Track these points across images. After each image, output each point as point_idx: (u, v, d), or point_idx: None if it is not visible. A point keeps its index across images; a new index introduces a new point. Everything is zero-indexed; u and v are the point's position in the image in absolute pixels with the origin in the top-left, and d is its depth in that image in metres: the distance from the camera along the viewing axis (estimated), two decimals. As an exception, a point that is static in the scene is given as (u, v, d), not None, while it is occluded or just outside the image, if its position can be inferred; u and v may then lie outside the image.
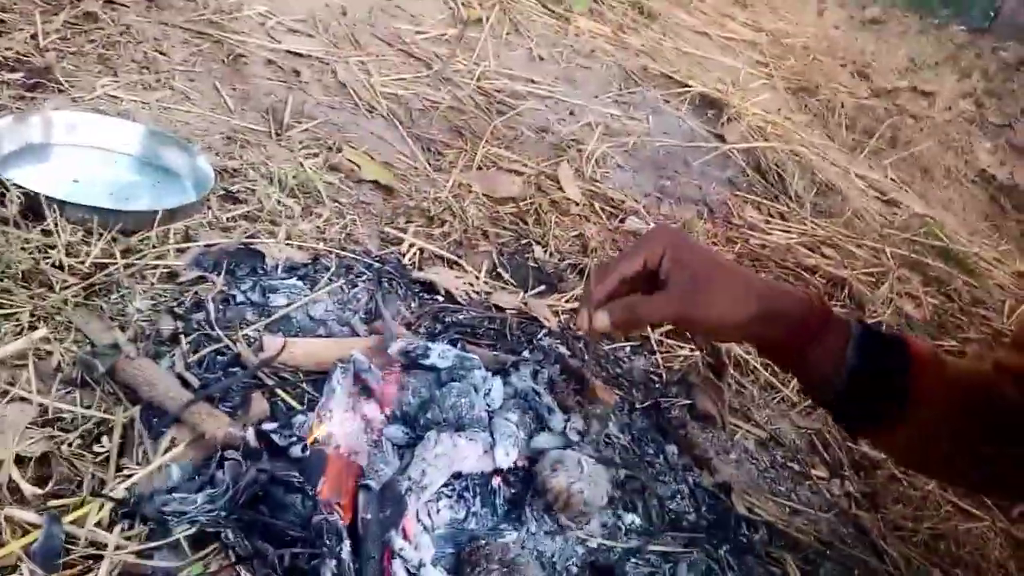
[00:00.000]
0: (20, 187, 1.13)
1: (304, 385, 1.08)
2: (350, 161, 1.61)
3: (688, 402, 1.38)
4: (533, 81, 2.29)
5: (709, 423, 1.39)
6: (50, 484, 0.86)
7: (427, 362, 1.06)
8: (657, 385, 1.41)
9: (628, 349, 1.46)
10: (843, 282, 1.97)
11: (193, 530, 0.80)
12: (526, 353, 1.25)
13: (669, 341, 1.53)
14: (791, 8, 4.69)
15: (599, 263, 0.80)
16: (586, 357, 1.37)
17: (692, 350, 1.52)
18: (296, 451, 0.88)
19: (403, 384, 1.09)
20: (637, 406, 1.31)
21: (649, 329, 1.52)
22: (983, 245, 2.66)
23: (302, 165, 1.52)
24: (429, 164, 1.75)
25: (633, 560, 1.02)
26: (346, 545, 0.79)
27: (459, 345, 1.18)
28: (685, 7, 3.62)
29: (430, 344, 1.09)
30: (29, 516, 0.82)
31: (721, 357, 1.50)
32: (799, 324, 0.82)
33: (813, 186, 2.43)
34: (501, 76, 2.23)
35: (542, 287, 1.50)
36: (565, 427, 1.09)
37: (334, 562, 0.77)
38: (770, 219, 2.18)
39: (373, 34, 2.14)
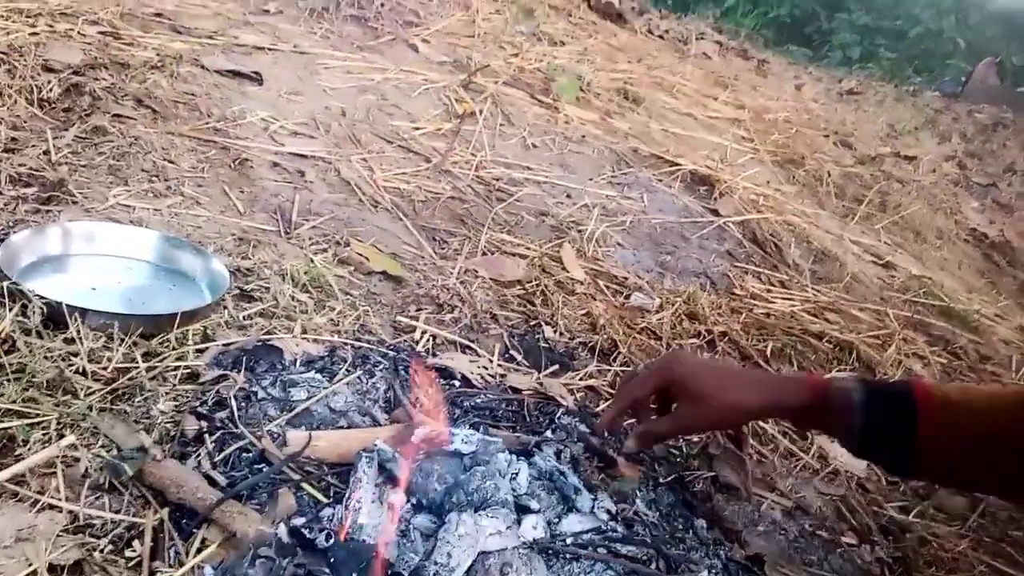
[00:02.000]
0: (42, 297, 1.15)
1: (329, 477, 1.08)
2: (358, 254, 1.64)
3: (711, 474, 1.38)
4: (529, 168, 2.35)
5: (734, 494, 1.38)
6: (83, 592, 0.85)
7: (451, 448, 1.06)
8: (678, 459, 1.41)
9: (646, 424, 1.46)
10: (850, 346, 1.99)
11: (232, 631, 0.79)
12: (548, 433, 1.25)
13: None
14: (770, 85, 4.86)
15: (628, 372, 1.10)
16: (606, 434, 1.37)
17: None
18: (328, 545, 0.88)
19: (428, 471, 1.08)
20: (661, 481, 1.30)
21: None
22: (983, 302, 2.69)
23: (312, 261, 1.55)
24: (435, 253, 1.78)
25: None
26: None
27: (481, 429, 1.18)
28: (668, 91, 3.75)
29: (453, 430, 1.09)
30: (63, 627, 0.81)
31: (741, 429, 1.49)
32: (804, 409, 0.99)
33: (810, 253, 2.48)
34: (498, 165, 2.29)
35: (555, 366, 1.52)
36: (593, 507, 1.09)
37: (376, 656, 0.75)
38: (771, 288, 2.20)
39: (373, 132, 2.21)
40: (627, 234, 2.18)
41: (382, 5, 3.17)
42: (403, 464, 1.01)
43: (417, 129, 2.31)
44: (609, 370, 1.57)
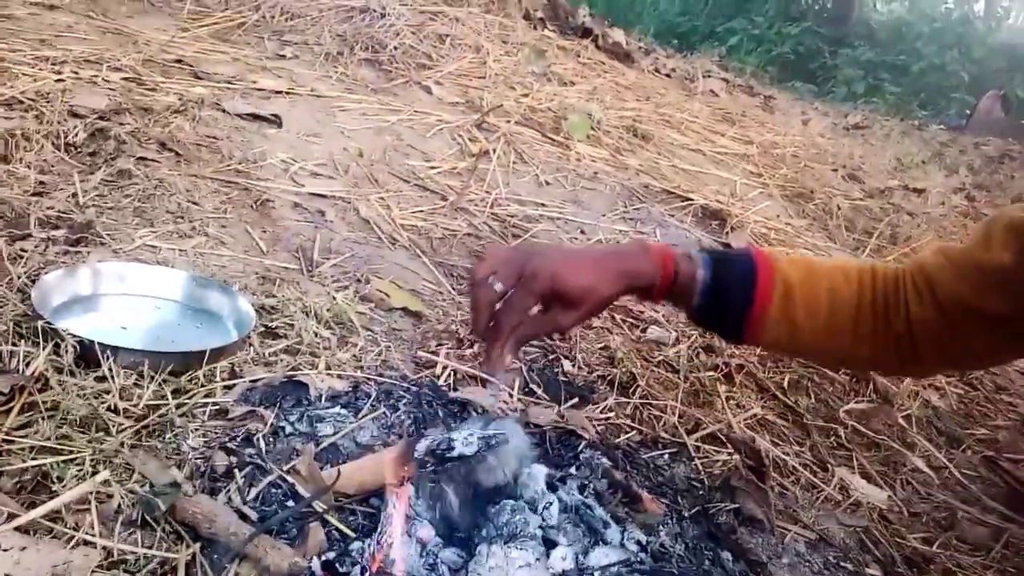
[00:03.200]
0: (74, 335, 1.17)
1: (356, 509, 1.09)
2: (379, 291, 1.66)
3: (734, 506, 1.38)
4: (543, 204, 2.38)
5: (757, 527, 1.38)
6: (119, 627, 0.86)
7: (454, 454, 1.07)
8: (700, 491, 1.41)
9: (667, 456, 1.47)
10: (867, 378, 1.99)
11: (269, 664, 0.80)
12: (572, 469, 1.26)
13: (707, 447, 1.54)
14: (776, 121, 4.91)
15: (476, 285, 0.99)
16: (628, 468, 1.38)
17: (731, 454, 1.53)
18: (361, 577, 0.89)
19: (448, 500, 1.09)
20: (685, 514, 1.30)
21: (684, 435, 1.53)
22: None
23: (335, 298, 1.57)
24: (453, 288, 1.81)
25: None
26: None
27: (494, 435, 1.18)
28: (677, 127, 3.80)
29: (452, 435, 1.10)
30: (100, 662, 0.82)
31: (762, 459, 1.50)
32: (658, 278, 1.02)
33: (823, 286, 2.48)
34: (512, 202, 2.33)
35: (575, 399, 1.53)
36: (623, 539, 1.09)
37: None
38: (786, 321, 2.21)
39: (390, 172, 2.25)
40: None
41: (395, 49, 3.24)
42: (404, 492, 1.02)
43: (432, 168, 2.35)
44: (628, 403, 1.58)
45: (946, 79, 9.73)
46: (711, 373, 1.79)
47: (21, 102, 1.89)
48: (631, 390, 1.62)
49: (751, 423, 1.67)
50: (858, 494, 1.57)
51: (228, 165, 1.96)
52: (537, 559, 0.98)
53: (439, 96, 3.04)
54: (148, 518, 0.99)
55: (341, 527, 1.06)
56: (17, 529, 0.92)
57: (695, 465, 1.47)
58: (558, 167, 2.71)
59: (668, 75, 5.14)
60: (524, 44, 3.94)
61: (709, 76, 5.16)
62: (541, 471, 1.12)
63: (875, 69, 10.04)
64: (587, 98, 3.61)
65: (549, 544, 1.04)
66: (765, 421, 1.71)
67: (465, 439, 1.10)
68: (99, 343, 1.18)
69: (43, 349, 1.15)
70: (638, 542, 1.10)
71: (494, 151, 2.55)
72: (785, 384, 1.87)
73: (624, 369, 1.66)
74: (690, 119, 4.04)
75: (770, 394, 1.81)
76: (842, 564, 1.38)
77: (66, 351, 1.16)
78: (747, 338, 1.06)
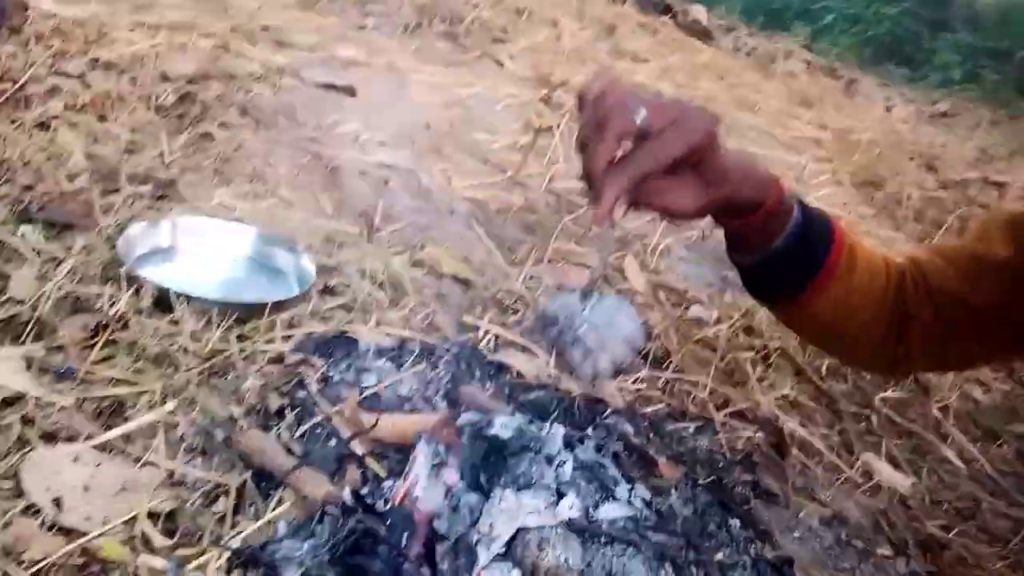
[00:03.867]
0: (153, 282, 1.32)
1: (391, 455, 1.20)
2: (433, 257, 1.77)
3: (752, 479, 1.45)
4: (601, 182, 2.44)
5: (772, 500, 1.45)
6: (176, 536, 0.99)
7: (491, 432, 1.17)
8: (721, 464, 1.48)
9: (692, 429, 1.54)
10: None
11: (299, 573, 0.92)
12: (590, 430, 1.35)
13: (733, 422, 1.60)
14: (857, 106, 4.81)
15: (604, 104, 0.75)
16: (651, 436, 1.46)
17: (756, 431, 1.59)
18: (385, 509, 1.00)
19: (475, 458, 1.19)
20: (700, 482, 1.38)
21: (713, 410, 1.60)
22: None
23: (391, 262, 1.68)
24: (504, 259, 1.90)
25: (694, 621, 1.09)
26: (429, 589, 0.90)
27: (531, 420, 1.29)
28: (749, 109, 3.79)
29: (491, 416, 1.20)
30: (158, 563, 0.95)
31: (783, 436, 1.56)
32: (770, 199, 0.88)
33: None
34: (570, 178, 2.40)
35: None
36: (630, 496, 1.18)
37: (419, 604, 0.87)
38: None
39: (454, 145, 2.35)
40: (691, 250, 2.25)
41: (472, 22, 3.33)
42: (442, 448, 1.12)
43: (496, 142, 2.44)
44: (660, 377, 1.65)
45: (1052, 68, 9.23)
46: (748, 353, 1.84)
47: (118, 65, 2.05)
48: (664, 364, 1.69)
49: (782, 403, 1.72)
50: (881, 478, 1.61)
51: (303, 132, 2.09)
52: (546, 507, 1.08)
53: (511, 71, 3.12)
54: (207, 446, 1.13)
55: (376, 467, 1.18)
56: (95, 448, 1.07)
57: (719, 439, 1.54)
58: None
59: (748, 54, 5.09)
60: (600, 20, 3.97)
61: (790, 57, 5.08)
62: (560, 431, 1.21)
63: (976, 55, 9.62)
64: (659, 76, 3.63)
65: (561, 496, 1.13)
66: (797, 402, 1.76)
67: (504, 423, 1.20)
68: (174, 290, 1.32)
69: (125, 293, 1.30)
70: (644, 500, 1.19)
71: (557, 127, 2.62)
72: (824, 369, 1.91)
73: (659, 344, 1.73)
74: (765, 101, 4.02)
75: (805, 377, 1.86)
76: (853, 542, 1.44)
77: (145, 296, 1.31)
78: (806, 297, 0.96)
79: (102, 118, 1.84)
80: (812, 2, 11.13)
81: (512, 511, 1.04)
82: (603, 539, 1.12)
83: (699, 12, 4.97)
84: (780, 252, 0.92)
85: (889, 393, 1.91)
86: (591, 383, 0.84)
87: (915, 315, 1.00)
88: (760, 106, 3.88)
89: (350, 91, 2.41)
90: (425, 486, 1.11)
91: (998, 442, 1.90)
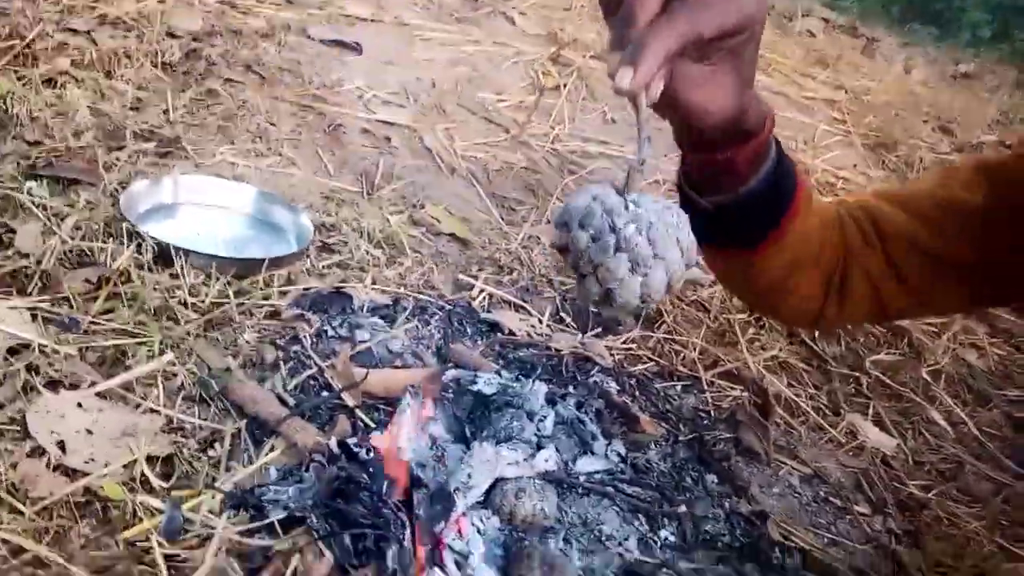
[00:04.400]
0: (154, 238, 1.36)
1: (381, 407, 1.25)
2: (431, 216, 1.80)
3: (733, 436, 1.49)
4: (605, 142, 2.46)
5: (754, 458, 1.49)
6: (173, 479, 1.05)
7: (474, 388, 1.22)
8: (705, 422, 1.52)
9: (679, 388, 1.58)
10: (904, 332, 2.03)
11: (285, 515, 0.98)
12: (571, 388, 1.39)
13: (721, 382, 1.64)
14: (876, 66, 4.74)
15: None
16: (636, 394, 1.50)
17: (743, 391, 1.63)
18: (368, 458, 1.05)
19: (457, 411, 1.24)
20: (681, 439, 1.42)
21: (701, 370, 1.64)
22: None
23: (389, 220, 1.72)
24: (502, 219, 1.93)
25: (665, 570, 1.13)
26: (407, 533, 0.95)
27: (517, 377, 1.33)
28: (763, 69, 3.74)
29: (477, 373, 1.25)
30: (156, 503, 1.01)
31: (767, 396, 1.59)
32: (764, 131, 0.81)
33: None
34: (575, 138, 2.41)
35: (599, 329, 1.65)
36: (607, 451, 1.23)
37: (396, 546, 0.92)
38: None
39: (458, 103, 2.36)
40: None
41: (483, -23, 3.31)
42: (427, 401, 1.17)
43: (501, 101, 2.45)
44: (651, 336, 1.69)
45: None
46: (742, 315, 1.87)
47: (125, 22, 2.08)
48: (656, 325, 1.73)
49: (771, 364, 1.76)
50: (866, 439, 1.65)
51: (306, 90, 2.12)
52: (525, 459, 1.13)
53: (522, 27, 3.11)
54: (204, 395, 1.18)
55: (365, 419, 1.23)
56: (97, 395, 1.12)
57: (705, 398, 1.58)
58: (627, 105, 2.75)
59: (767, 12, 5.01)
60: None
61: (809, 15, 5.00)
62: (542, 388, 1.25)
63: (1008, 13, 9.39)
64: (671, 35, 3.60)
65: (540, 449, 1.18)
66: (787, 364, 1.79)
67: (487, 380, 1.25)
68: (175, 246, 1.36)
69: (127, 248, 1.35)
70: (619, 455, 1.23)
71: (564, 86, 2.62)
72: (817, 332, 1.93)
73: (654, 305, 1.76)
74: (780, 60, 3.97)
75: (798, 339, 1.89)
76: (831, 499, 1.48)
77: (146, 251, 1.35)
78: (775, 235, 0.88)
79: (108, 75, 1.88)
80: (840, -44, 10.91)
81: (491, 462, 1.09)
82: (579, 490, 1.17)
83: (717, -32, 4.89)
84: (754, 193, 0.84)
85: (882, 356, 1.93)
86: (639, 305, 0.65)
87: (859, 261, 0.95)
88: (774, 65, 3.84)
89: (356, 48, 2.42)
90: (410, 437, 1.16)
91: (989, 406, 1.93)
